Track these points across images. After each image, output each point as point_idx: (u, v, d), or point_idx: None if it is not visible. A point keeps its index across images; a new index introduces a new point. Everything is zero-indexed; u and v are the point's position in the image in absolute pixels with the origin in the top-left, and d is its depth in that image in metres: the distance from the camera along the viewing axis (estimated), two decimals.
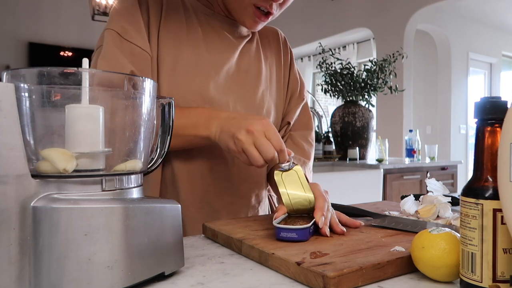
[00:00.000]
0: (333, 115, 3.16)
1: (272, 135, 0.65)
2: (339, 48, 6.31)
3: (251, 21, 0.82)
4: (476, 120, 0.43)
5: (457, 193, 0.86)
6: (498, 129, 0.41)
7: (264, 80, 0.91)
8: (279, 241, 0.57)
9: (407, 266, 0.49)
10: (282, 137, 0.96)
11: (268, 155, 0.64)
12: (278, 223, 0.60)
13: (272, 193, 0.99)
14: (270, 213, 0.95)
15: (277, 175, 0.66)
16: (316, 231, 0.61)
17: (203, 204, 0.83)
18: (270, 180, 0.93)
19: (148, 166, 0.55)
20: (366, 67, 3.05)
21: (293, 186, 0.65)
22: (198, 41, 0.83)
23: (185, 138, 0.75)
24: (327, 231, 0.60)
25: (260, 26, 0.85)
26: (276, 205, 0.98)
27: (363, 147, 3.09)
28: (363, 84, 3.01)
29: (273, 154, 0.64)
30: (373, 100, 3.15)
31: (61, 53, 5.73)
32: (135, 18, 0.78)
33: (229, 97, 0.84)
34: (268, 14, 0.82)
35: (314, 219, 0.60)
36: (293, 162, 0.67)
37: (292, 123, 0.97)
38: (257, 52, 0.92)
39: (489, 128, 0.41)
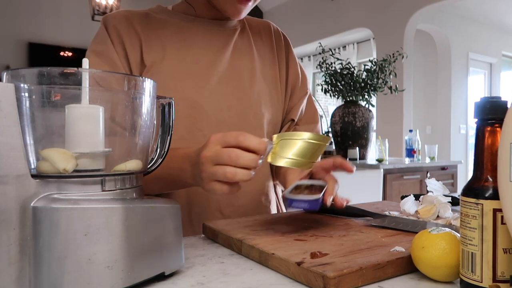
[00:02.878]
0: (333, 115, 3.16)
1: (239, 139, 0.55)
2: (339, 48, 6.30)
3: (233, 8, 0.79)
4: (476, 120, 0.43)
5: (457, 193, 0.86)
6: (498, 129, 0.41)
7: (259, 77, 0.88)
8: (291, 208, 0.60)
9: (407, 266, 0.49)
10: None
11: (243, 163, 0.53)
12: (289, 193, 0.61)
13: (279, 190, 0.98)
14: (277, 212, 0.94)
15: (272, 160, 0.56)
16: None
17: (213, 212, 0.82)
18: (276, 174, 0.91)
19: (148, 166, 0.55)
20: (366, 67, 3.05)
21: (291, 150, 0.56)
22: (182, 53, 0.82)
23: (159, 183, 0.70)
24: (329, 203, 0.61)
25: (244, 13, 0.82)
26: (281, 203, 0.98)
27: (363, 147, 3.09)
28: (363, 84, 3.01)
29: (251, 159, 0.54)
30: (373, 100, 3.16)
31: (61, 53, 5.73)
32: (115, 63, 0.77)
33: (222, 102, 0.82)
34: None
35: (323, 191, 0.61)
36: (269, 142, 0.56)
37: (296, 120, 0.95)
38: (249, 48, 0.90)
39: (489, 128, 0.41)
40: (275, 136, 0.57)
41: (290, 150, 0.55)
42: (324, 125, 3.40)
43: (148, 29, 0.82)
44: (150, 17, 0.84)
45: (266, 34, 0.95)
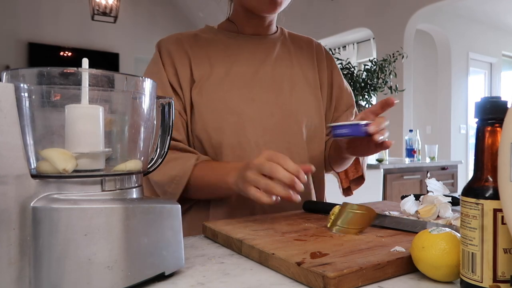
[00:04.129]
0: None
1: (282, 160, 0.63)
2: (339, 48, 6.30)
3: (266, 4, 0.85)
4: (476, 120, 0.43)
5: (457, 193, 0.86)
6: (498, 129, 0.41)
7: (299, 86, 0.93)
8: (335, 137, 0.69)
9: (407, 266, 0.49)
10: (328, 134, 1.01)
11: (280, 176, 0.62)
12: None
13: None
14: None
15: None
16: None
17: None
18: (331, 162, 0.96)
19: (148, 166, 0.55)
20: (366, 67, 3.05)
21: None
22: (228, 66, 0.89)
23: (208, 189, 0.80)
24: (376, 137, 0.68)
25: (279, 8, 0.87)
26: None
27: None
28: (363, 84, 3.01)
29: (287, 176, 0.61)
30: (373, 100, 3.15)
31: (61, 53, 5.73)
32: (163, 83, 0.86)
33: (265, 110, 0.88)
34: None
35: (366, 122, 0.68)
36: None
37: None
38: (289, 59, 0.96)
39: (489, 128, 0.41)
40: (336, 207, 0.65)
41: (340, 218, 0.62)
42: None
43: (196, 47, 0.91)
44: (198, 37, 0.93)
45: (308, 48, 1.01)
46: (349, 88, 1.04)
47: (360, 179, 1.00)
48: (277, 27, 1.02)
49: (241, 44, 0.93)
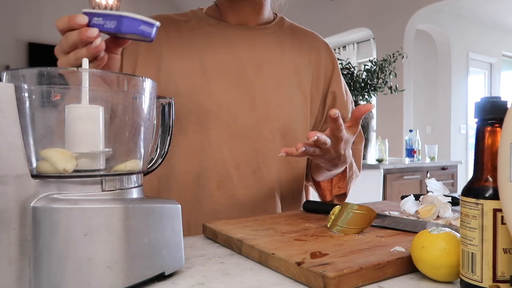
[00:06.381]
0: None
1: (59, 24, 0.54)
2: (339, 48, 6.30)
3: None
4: (476, 120, 0.43)
5: (457, 193, 0.86)
6: (498, 129, 0.41)
7: (285, 88, 0.85)
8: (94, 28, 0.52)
9: (407, 266, 0.49)
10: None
11: (72, 40, 0.52)
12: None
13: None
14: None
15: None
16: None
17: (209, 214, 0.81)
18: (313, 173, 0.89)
19: (148, 166, 0.55)
20: (366, 67, 3.05)
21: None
22: (201, 58, 0.82)
23: None
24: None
25: None
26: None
27: (363, 147, 3.08)
28: (363, 84, 3.01)
29: (76, 36, 0.52)
30: (373, 100, 3.16)
31: None
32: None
33: (238, 112, 0.81)
34: None
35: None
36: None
37: None
38: (280, 55, 0.87)
39: (489, 128, 0.41)
40: (337, 207, 0.64)
41: (340, 218, 0.62)
42: None
43: (174, 36, 0.83)
44: (180, 24, 0.85)
45: (310, 41, 0.92)
46: (347, 96, 0.93)
47: (342, 196, 0.91)
48: (275, 16, 0.92)
49: (223, 35, 0.84)
